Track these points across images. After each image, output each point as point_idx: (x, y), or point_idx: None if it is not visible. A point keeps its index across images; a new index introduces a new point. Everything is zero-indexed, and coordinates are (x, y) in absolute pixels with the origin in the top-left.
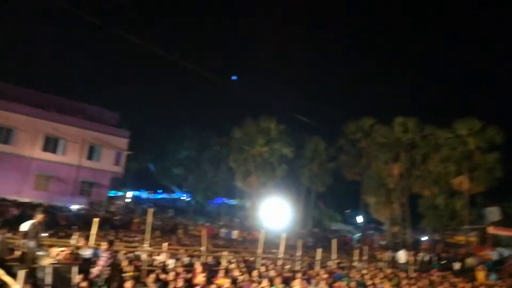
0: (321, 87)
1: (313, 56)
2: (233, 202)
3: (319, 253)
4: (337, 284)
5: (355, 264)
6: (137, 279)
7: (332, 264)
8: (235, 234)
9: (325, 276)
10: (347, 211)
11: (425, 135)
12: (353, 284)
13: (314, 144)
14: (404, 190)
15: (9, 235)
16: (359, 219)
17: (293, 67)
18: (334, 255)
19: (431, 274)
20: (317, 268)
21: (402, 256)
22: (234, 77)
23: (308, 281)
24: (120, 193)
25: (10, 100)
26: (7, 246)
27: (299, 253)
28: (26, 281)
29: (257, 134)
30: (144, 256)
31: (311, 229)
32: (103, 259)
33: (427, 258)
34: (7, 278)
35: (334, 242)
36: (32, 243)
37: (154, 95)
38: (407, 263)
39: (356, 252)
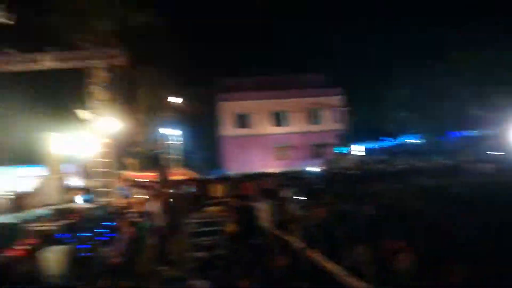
0: None
1: None
2: (470, 133)
3: None
4: None
5: None
6: None
7: None
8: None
9: None
10: None
11: None
12: None
13: None
14: None
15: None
16: None
17: None
18: None
19: None
20: None
21: None
22: None
23: None
24: (349, 148)
25: (239, 90)
26: (278, 211)
27: None
28: (302, 238)
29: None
30: None
31: None
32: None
33: None
34: (289, 237)
35: None
36: (294, 206)
37: (353, 43)
38: None
39: None
